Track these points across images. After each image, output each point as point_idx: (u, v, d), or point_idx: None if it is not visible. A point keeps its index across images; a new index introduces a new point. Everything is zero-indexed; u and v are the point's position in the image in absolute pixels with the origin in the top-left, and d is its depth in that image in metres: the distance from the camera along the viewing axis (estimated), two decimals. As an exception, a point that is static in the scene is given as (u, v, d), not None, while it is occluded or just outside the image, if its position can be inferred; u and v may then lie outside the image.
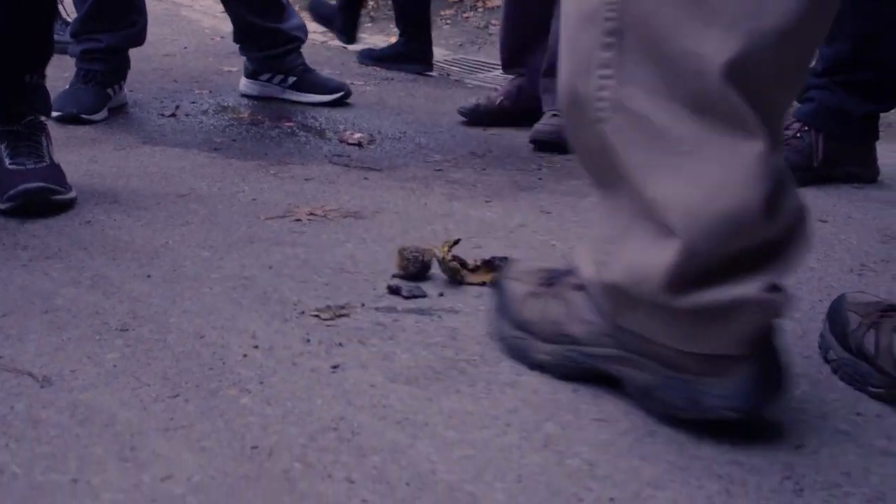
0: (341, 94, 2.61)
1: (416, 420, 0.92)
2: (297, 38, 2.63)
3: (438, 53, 3.31)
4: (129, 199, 1.63)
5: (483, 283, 1.25)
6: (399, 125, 2.37)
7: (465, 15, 4.49)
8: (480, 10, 4.57)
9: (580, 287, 0.98)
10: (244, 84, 2.68)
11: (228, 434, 0.88)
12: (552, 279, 1.06)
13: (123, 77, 2.42)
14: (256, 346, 1.06)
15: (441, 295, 1.23)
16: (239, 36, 2.63)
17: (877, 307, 1.10)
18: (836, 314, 1.12)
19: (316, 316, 1.14)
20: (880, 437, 0.93)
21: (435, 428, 0.90)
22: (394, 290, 1.22)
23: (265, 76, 2.63)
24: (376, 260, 1.35)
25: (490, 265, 1.26)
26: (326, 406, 0.93)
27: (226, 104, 2.54)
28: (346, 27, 3.38)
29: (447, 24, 4.39)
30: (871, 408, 0.99)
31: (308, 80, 2.63)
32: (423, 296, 1.22)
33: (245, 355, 1.04)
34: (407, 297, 1.21)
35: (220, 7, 5.20)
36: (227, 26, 4.50)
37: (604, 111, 0.86)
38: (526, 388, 0.99)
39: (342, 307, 1.17)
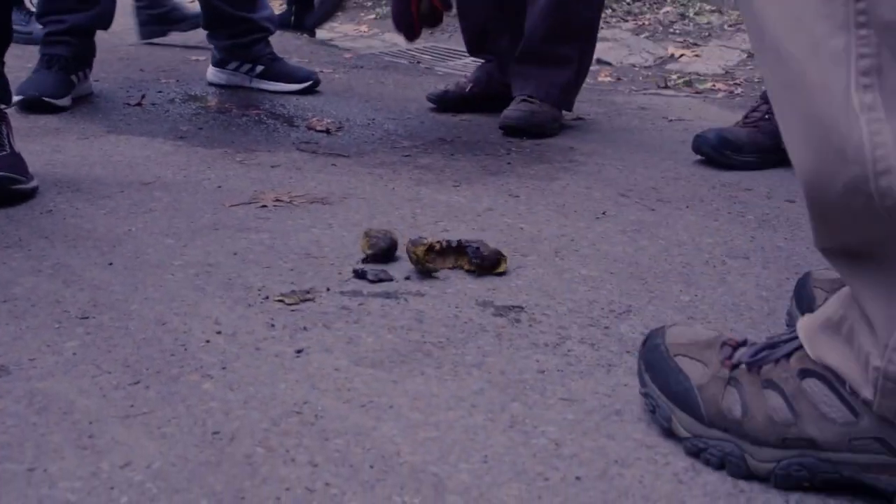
0: (310, 82, 2.59)
1: (380, 403, 0.91)
2: (267, 28, 2.60)
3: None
4: (91, 187, 1.60)
5: (452, 268, 1.24)
6: (368, 112, 2.36)
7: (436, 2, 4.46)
8: (450, -3, 4.55)
9: (812, 373, 0.80)
10: (211, 73, 2.65)
11: (189, 420, 0.87)
12: (736, 356, 0.86)
13: (88, 65, 2.38)
14: (219, 332, 1.04)
15: (407, 278, 1.22)
16: (208, 23, 2.60)
17: (841, 283, 1.09)
18: (802, 291, 1.13)
19: (280, 301, 1.13)
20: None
21: (400, 410, 0.89)
22: (360, 275, 1.21)
23: (233, 65, 2.60)
24: (343, 245, 1.34)
25: (460, 249, 1.25)
26: (290, 390, 0.92)
27: (193, 93, 2.51)
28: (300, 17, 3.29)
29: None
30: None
31: (276, 69, 2.60)
32: (390, 279, 1.21)
33: (207, 341, 1.02)
34: (373, 281, 1.20)
35: (188, -4, 5.14)
36: (194, 16, 4.47)
37: (886, 160, 0.68)
38: (492, 370, 0.98)
39: (307, 292, 1.16)
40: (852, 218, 0.72)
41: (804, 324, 0.82)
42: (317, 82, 2.61)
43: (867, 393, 0.75)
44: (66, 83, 2.24)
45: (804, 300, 1.12)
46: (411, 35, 2.22)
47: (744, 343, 0.87)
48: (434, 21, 2.22)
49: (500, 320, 1.11)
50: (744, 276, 1.28)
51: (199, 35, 3.80)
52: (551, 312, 1.13)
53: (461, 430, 0.87)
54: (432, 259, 1.23)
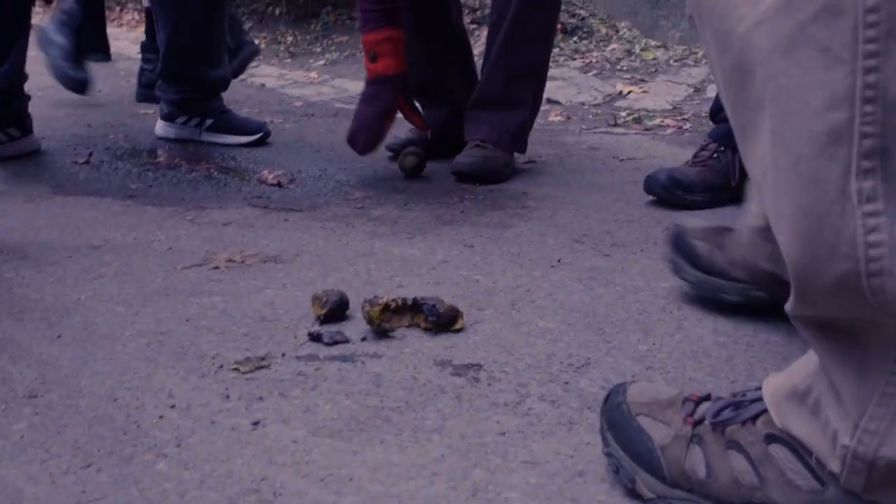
0: (260, 134, 2.58)
1: (340, 475, 0.89)
2: (219, 85, 2.59)
3: (357, 86, 3.27)
4: (38, 253, 1.57)
5: (409, 326, 1.23)
6: (319, 163, 2.35)
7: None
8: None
9: (778, 439, 0.78)
10: (160, 127, 2.63)
11: (143, 504, 0.84)
12: (699, 412, 0.85)
13: (16, 124, 2.33)
14: (173, 406, 1.02)
15: (364, 339, 1.20)
16: (163, 75, 2.57)
17: (711, 231, 1.34)
18: (680, 243, 1.34)
19: (235, 369, 1.11)
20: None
21: (360, 482, 0.88)
22: (315, 337, 1.19)
23: (181, 118, 2.58)
24: (297, 305, 1.32)
25: (416, 306, 1.23)
26: (247, 466, 0.90)
27: (141, 148, 2.49)
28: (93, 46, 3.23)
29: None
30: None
31: (226, 122, 2.59)
32: (346, 341, 1.19)
33: (161, 416, 1.00)
34: (329, 344, 1.18)
35: (135, 49, 5.12)
36: (142, 67, 4.43)
37: (880, 261, 0.64)
38: (452, 434, 0.97)
39: (262, 358, 1.14)
40: (839, 303, 0.68)
41: (770, 388, 0.81)
42: (267, 133, 2.59)
43: (834, 467, 0.74)
44: None
45: (685, 250, 1.34)
46: (367, 150, 2.16)
47: (707, 398, 0.87)
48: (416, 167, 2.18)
49: (458, 380, 1.09)
50: (700, 322, 1.29)
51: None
52: (510, 369, 1.13)
53: (423, 500, 0.85)
54: (388, 318, 1.22)
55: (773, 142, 0.67)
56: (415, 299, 1.23)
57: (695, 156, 1.97)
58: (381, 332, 1.21)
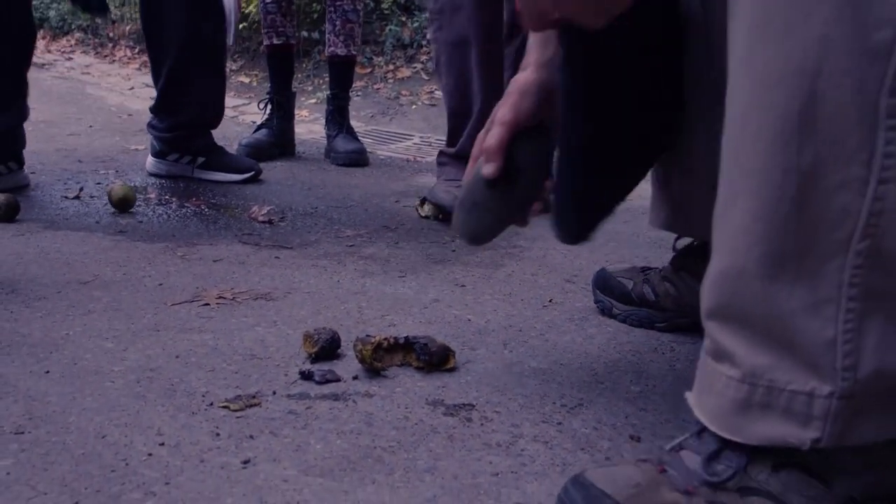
0: (253, 172, 2.58)
1: (331, 516, 0.88)
2: (211, 122, 2.59)
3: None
4: (27, 288, 1.56)
5: (400, 365, 1.23)
6: (310, 200, 2.35)
7: (376, 86, 4.51)
8: (391, 81, 4.61)
9: (784, 465, 0.79)
10: (151, 163, 2.63)
11: (131, 543, 0.83)
12: (691, 480, 0.82)
13: (13, 158, 2.34)
14: (162, 444, 1.01)
15: (355, 378, 1.20)
16: (158, 106, 2.57)
17: (634, 270, 1.48)
18: (608, 283, 1.47)
19: (225, 407, 1.10)
20: None
21: (351, 523, 0.87)
22: (306, 376, 1.18)
23: (173, 156, 2.58)
24: (288, 343, 1.31)
25: (407, 345, 1.23)
26: (236, 506, 0.89)
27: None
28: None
29: (358, 95, 4.40)
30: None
31: (218, 159, 2.59)
32: (337, 380, 1.19)
33: (150, 454, 0.98)
34: (320, 383, 1.17)
35: (127, 84, 5.15)
36: (133, 104, 4.45)
37: (892, 169, 0.69)
38: (445, 474, 0.96)
39: (253, 396, 1.13)
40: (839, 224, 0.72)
41: (711, 413, 0.82)
42: (259, 171, 2.60)
43: (814, 433, 0.75)
44: None
45: (614, 288, 1.46)
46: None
47: (672, 453, 0.85)
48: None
49: (451, 420, 1.09)
50: (692, 364, 1.27)
51: (139, 124, 3.80)
52: (503, 409, 1.12)
53: (415, 541, 0.84)
54: (380, 357, 1.21)
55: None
56: (407, 338, 1.23)
57: None
58: (373, 370, 1.20)
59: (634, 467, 0.84)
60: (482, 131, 1.16)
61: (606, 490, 0.80)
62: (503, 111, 1.12)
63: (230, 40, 2.97)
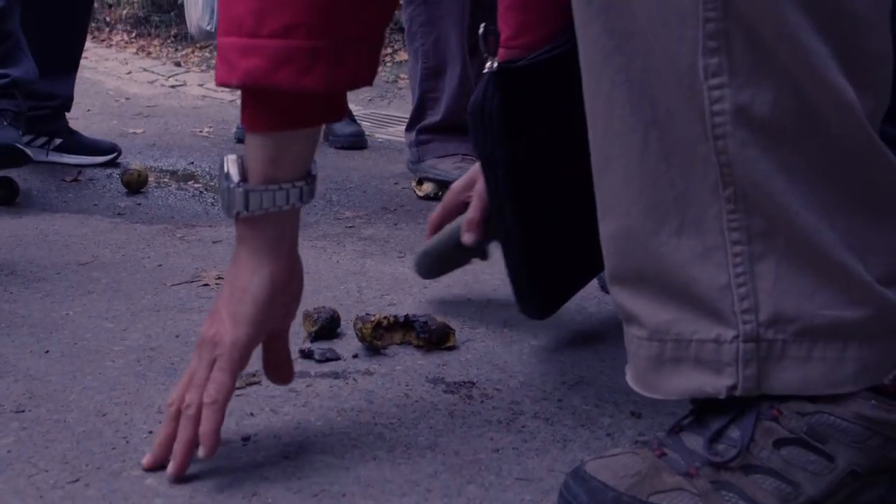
0: (115, 154, 2.52)
1: (332, 491, 0.88)
2: (67, 104, 2.51)
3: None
4: (26, 269, 1.56)
5: (400, 344, 1.22)
6: (309, 182, 2.34)
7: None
8: (389, 64, 4.60)
9: (787, 441, 0.78)
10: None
11: (133, 519, 0.83)
12: (691, 462, 0.80)
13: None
14: (162, 422, 1.01)
15: (355, 356, 1.20)
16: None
17: None
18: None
19: (225, 385, 1.10)
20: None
21: (353, 498, 0.87)
22: (306, 354, 1.18)
23: (26, 137, 2.40)
24: (288, 323, 1.31)
25: (407, 324, 1.23)
26: (238, 482, 0.89)
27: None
28: None
29: (356, 78, 4.38)
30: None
31: (77, 142, 2.51)
32: (337, 358, 1.19)
33: (150, 432, 0.98)
34: (320, 361, 1.17)
35: (125, 68, 5.15)
36: (131, 87, 4.44)
37: (724, 126, 0.72)
38: (446, 451, 0.96)
39: (253, 375, 1.13)
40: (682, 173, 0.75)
41: (633, 376, 0.85)
42: (119, 152, 2.53)
43: (728, 380, 0.77)
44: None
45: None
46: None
47: (669, 436, 0.83)
48: None
49: (451, 397, 1.09)
50: (692, 341, 1.28)
51: (136, 107, 3.79)
52: (503, 387, 1.12)
53: (417, 516, 0.84)
54: (380, 336, 1.21)
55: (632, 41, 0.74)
56: (406, 316, 1.23)
57: None
58: (373, 349, 1.20)
59: (633, 455, 0.82)
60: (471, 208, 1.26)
61: (607, 482, 0.79)
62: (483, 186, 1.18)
63: (212, 26, 2.94)
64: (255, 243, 0.92)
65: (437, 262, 1.38)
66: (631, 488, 0.79)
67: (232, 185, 0.90)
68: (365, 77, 0.94)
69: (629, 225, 0.78)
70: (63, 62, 2.44)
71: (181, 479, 0.88)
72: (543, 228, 1.17)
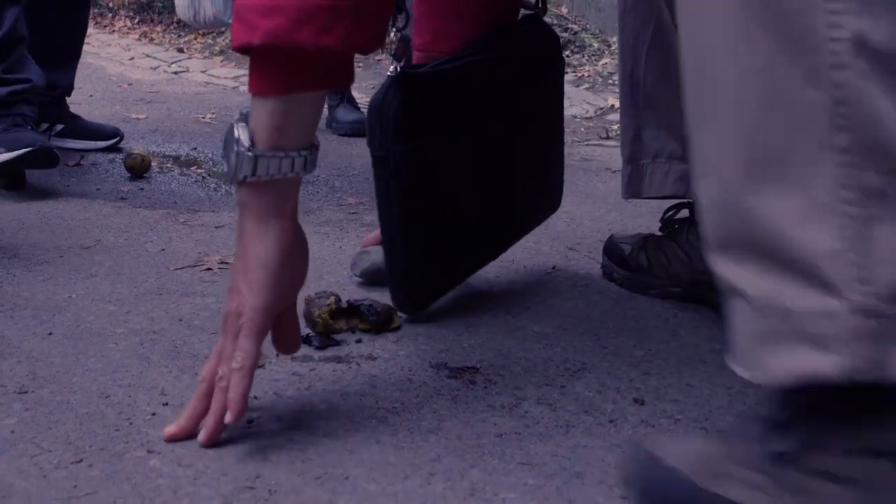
0: (117, 139, 2.51)
1: (335, 474, 0.88)
2: (68, 90, 2.48)
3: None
4: (29, 252, 1.56)
5: (349, 330, 1.21)
6: (312, 169, 2.34)
7: (377, 57, 4.49)
8: (392, 51, 4.58)
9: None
10: None
11: (136, 499, 0.83)
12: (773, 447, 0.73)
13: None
14: (166, 404, 1.01)
15: (359, 341, 1.20)
16: None
17: (639, 237, 1.49)
18: (612, 247, 1.49)
19: (229, 369, 1.10)
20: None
21: (356, 481, 0.87)
22: (308, 340, 1.18)
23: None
24: (291, 307, 1.31)
25: (352, 309, 1.22)
26: (241, 464, 0.89)
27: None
28: None
29: (359, 66, 4.37)
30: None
31: (79, 127, 2.49)
32: (338, 343, 1.18)
33: (154, 414, 0.98)
34: (320, 348, 1.17)
35: (128, 54, 5.13)
36: (133, 73, 4.43)
37: (841, 55, 0.66)
38: (449, 435, 0.96)
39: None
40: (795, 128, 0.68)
41: (735, 356, 0.75)
42: (122, 137, 2.53)
43: (839, 358, 0.67)
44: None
45: (615, 253, 1.48)
46: None
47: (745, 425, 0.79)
48: None
49: (454, 382, 1.09)
50: (695, 330, 1.28)
51: (139, 92, 3.78)
52: (506, 373, 1.12)
53: (420, 499, 0.84)
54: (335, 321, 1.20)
55: None
56: (349, 302, 1.22)
57: None
58: (327, 337, 1.19)
59: (705, 443, 0.80)
60: None
61: (678, 467, 0.75)
62: None
63: (227, 16, 2.93)
64: (259, 210, 0.95)
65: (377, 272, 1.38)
66: (706, 479, 0.73)
67: (242, 150, 0.92)
68: (379, 41, 0.98)
69: (727, 183, 0.71)
70: (65, 52, 2.43)
71: (210, 446, 0.91)
72: (427, 229, 1.22)
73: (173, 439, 0.92)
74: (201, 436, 0.91)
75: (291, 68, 0.92)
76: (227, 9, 2.84)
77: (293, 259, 0.98)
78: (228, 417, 0.90)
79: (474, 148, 1.26)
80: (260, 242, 0.95)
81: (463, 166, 1.26)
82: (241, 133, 0.93)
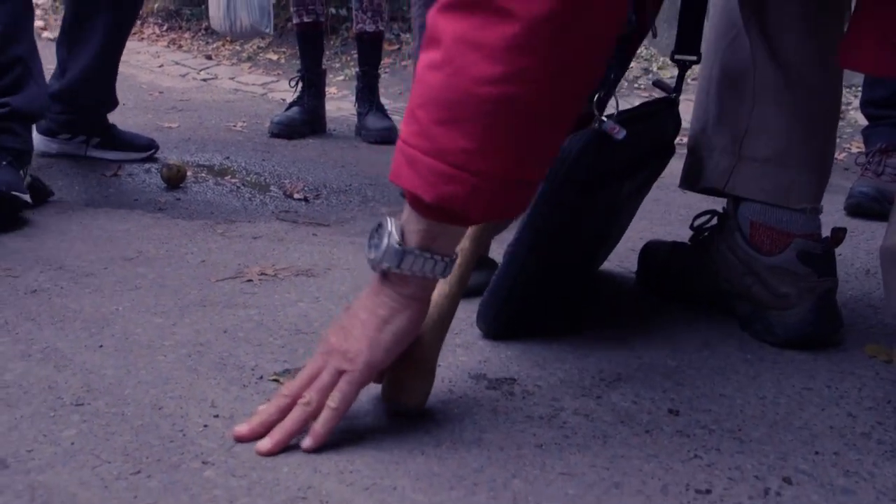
0: (152, 150, 2.56)
1: (383, 485, 0.91)
2: (111, 107, 2.55)
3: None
4: (74, 264, 1.60)
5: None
6: (344, 178, 2.38)
7: (404, 63, 4.53)
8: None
9: None
10: (39, 141, 2.46)
11: (194, 509, 0.87)
12: None
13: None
14: (217, 416, 1.05)
15: (399, 352, 1.23)
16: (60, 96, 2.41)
17: (671, 245, 1.53)
18: (646, 255, 1.55)
19: (275, 380, 1.14)
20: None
21: (403, 491, 0.90)
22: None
23: (65, 135, 2.49)
24: (331, 319, 1.35)
25: None
26: (293, 475, 0.93)
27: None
28: None
29: (386, 72, 4.42)
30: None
31: (115, 139, 2.54)
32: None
33: (205, 426, 1.02)
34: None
35: (157, 62, 5.20)
36: (164, 81, 4.50)
37: None
38: (491, 446, 0.99)
39: (300, 370, 1.16)
40: None
41: None
42: (157, 148, 2.57)
43: None
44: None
45: (649, 261, 1.54)
46: None
47: None
48: None
49: (493, 393, 1.12)
50: (726, 340, 1.31)
51: (170, 101, 3.83)
52: (543, 383, 1.15)
53: (465, 509, 0.87)
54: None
55: None
56: None
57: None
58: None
59: None
60: None
61: None
62: None
63: (269, 29, 2.99)
64: (401, 290, 1.00)
65: None
66: None
67: (392, 243, 0.97)
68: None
69: None
70: (110, 71, 2.49)
71: (267, 455, 0.96)
72: (538, 269, 1.25)
73: (240, 440, 0.98)
74: (265, 443, 0.96)
75: (451, 213, 0.96)
76: (264, 18, 2.90)
77: (417, 330, 1.03)
78: (308, 443, 0.96)
79: (606, 204, 1.31)
80: (395, 312, 1.00)
81: (591, 218, 1.30)
82: (392, 227, 0.98)
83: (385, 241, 0.98)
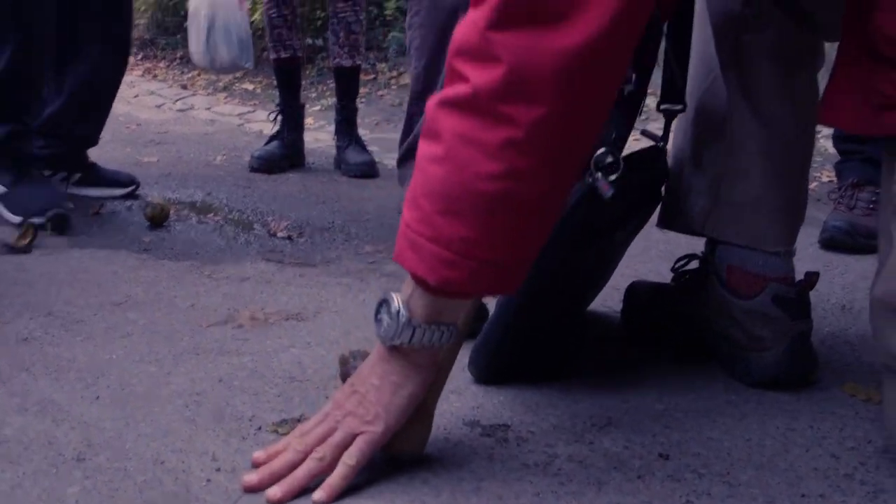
0: (133, 187, 2.58)
1: (386, 538, 0.93)
2: (93, 143, 2.58)
3: (357, 135, 3.34)
4: (63, 310, 1.61)
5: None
6: (326, 215, 2.40)
7: (380, 93, 4.56)
8: (395, 87, 4.66)
9: None
10: None
11: (202, 567, 0.88)
12: None
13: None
14: (219, 469, 1.06)
15: (393, 399, 1.25)
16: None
17: (656, 285, 1.56)
18: (629, 293, 1.56)
19: (274, 431, 1.15)
20: None
21: (406, 545, 0.92)
22: (347, 399, 1.24)
23: (46, 172, 2.48)
24: (324, 365, 1.37)
25: None
26: (295, 529, 0.95)
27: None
28: None
29: (362, 102, 4.45)
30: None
31: (96, 176, 2.56)
32: (376, 402, 1.24)
33: (208, 480, 1.04)
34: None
35: (132, 92, 5.18)
36: (140, 112, 4.50)
37: None
38: (490, 495, 1.01)
39: (298, 420, 1.18)
40: None
41: None
42: (138, 184, 2.60)
43: None
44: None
45: (633, 301, 1.55)
46: None
47: None
48: None
49: (488, 441, 1.14)
50: (711, 382, 1.34)
51: (149, 134, 3.83)
52: (536, 429, 1.18)
53: (467, 562, 0.90)
54: None
55: None
56: None
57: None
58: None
59: None
60: None
61: None
62: None
63: (249, 63, 3.02)
64: (413, 359, 1.05)
65: None
66: None
67: (402, 321, 1.02)
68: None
69: None
70: (103, 108, 2.51)
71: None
72: (530, 318, 1.29)
73: (249, 489, 1.00)
74: (275, 491, 0.99)
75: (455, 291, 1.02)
76: (244, 53, 2.92)
77: (426, 392, 1.08)
78: (321, 496, 0.98)
79: (598, 254, 1.35)
80: (407, 379, 1.05)
81: (582, 269, 1.33)
82: (400, 305, 1.03)
83: (395, 319, 1.02)
